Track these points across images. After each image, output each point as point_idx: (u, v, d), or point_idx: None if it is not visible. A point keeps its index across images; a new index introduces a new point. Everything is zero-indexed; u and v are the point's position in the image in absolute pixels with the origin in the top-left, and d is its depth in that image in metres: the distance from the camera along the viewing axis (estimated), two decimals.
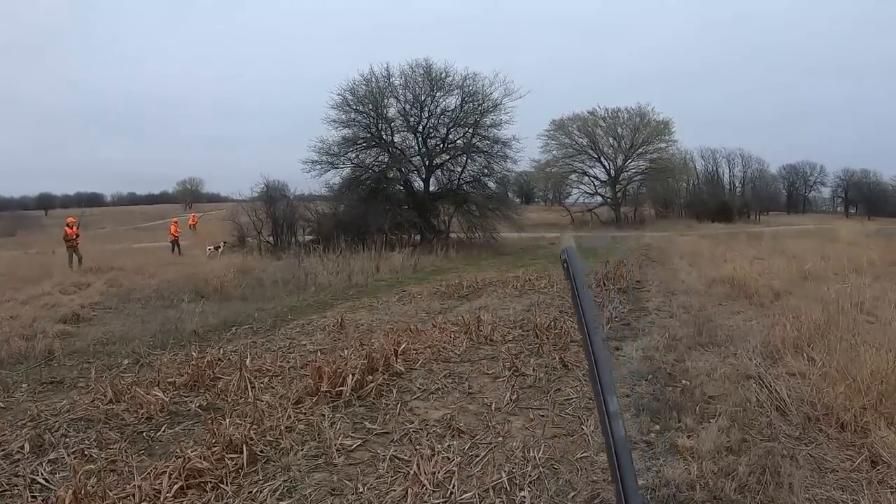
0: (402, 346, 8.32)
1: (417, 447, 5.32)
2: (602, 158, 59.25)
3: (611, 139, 58.59)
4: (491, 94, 31.69)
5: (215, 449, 5.07)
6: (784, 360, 7.38)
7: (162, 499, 4.39)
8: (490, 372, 7.58)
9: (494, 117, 31.94)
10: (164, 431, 5.90)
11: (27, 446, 5.49)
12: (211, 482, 4.67)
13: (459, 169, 32.39)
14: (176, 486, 4.51)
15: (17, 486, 4.81)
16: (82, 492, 4.28)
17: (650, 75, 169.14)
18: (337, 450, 5.28)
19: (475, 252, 27.43)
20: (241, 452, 5.03)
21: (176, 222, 30.64)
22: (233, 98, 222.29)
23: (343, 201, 30.60)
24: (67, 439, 5.70)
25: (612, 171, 59.08)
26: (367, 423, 5.98)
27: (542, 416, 6.03)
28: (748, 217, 66.63)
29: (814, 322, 8.39)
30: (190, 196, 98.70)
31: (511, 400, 6.46)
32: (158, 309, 13.17)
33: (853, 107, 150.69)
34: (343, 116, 31.07)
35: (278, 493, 4.60)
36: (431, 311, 12.11)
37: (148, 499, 4.39)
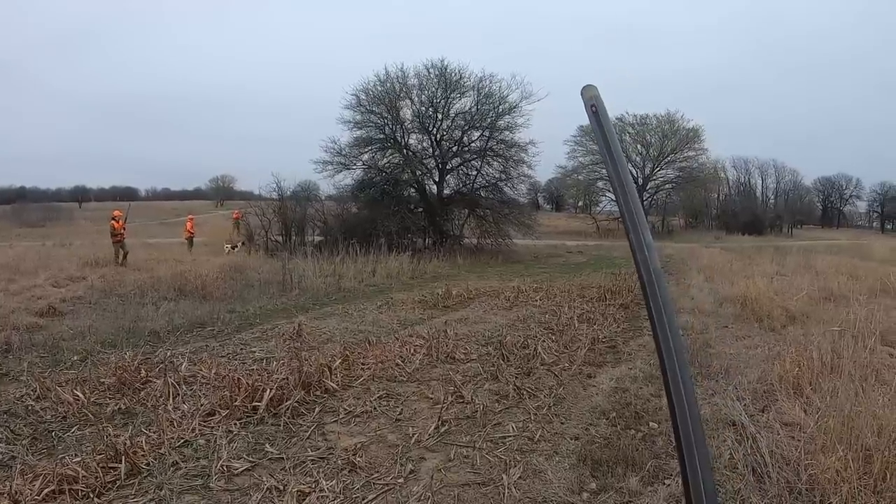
0: (344, 361, 7.65)
1: (306, 479, 4.69)
2: (630, 166, 57.87)
3: (639, 146, 57.69)
4: (507, 96, 30.88)
5: (100, 457, 4.82)
6: (778, 403, 6.23)
7: (24, 501, 4.23)
8: (432, 396, 6.76)
9: (510, 120, 31.16)
10: (72, 432, 5.70)
11: None
12: (82, 490, 4.43)
13: (474, 173, 31.66)
14: (46, 490, 4.33)
15: None
16: None
17: (681, 81, 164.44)
18: (220, 471, 4.83)
19: (484, 259, 26.65)
20: (121, 463, 4.74)
21: (191, 219, 30.27)
22: (270, 97, 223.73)
23: (355, 203, 30.16)
24: None
25: (639, 180, 58.00)
26: (267, 445, 5.38)
27: (465, 455, 5.19)
28: (780, 230, 65.21)
29: (822, 355, 7.26)
30: (222, 193, 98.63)
31: (437, 432, 5.66)
32: (133, 306, 12.65)
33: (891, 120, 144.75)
34: (357, 117, 30.55)
35: None
36: (406, 322, 11.42)
37: (11, 498, 4.24)
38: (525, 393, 6.82)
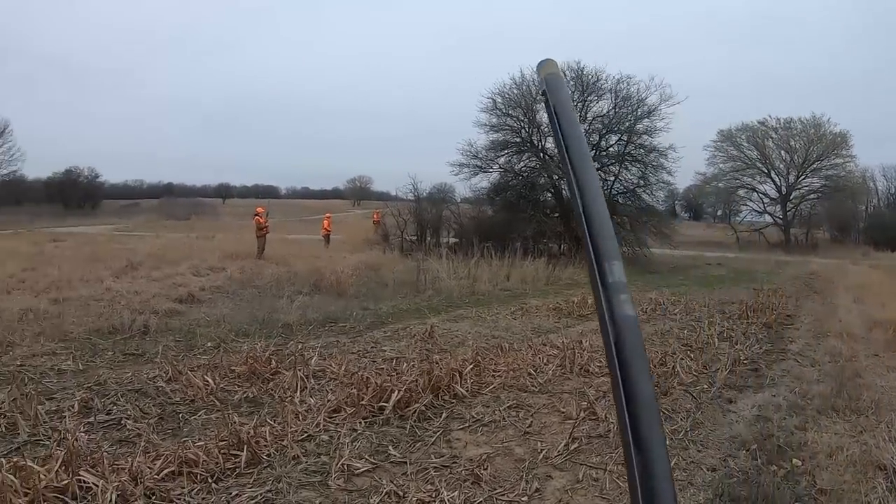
0: (475, 366, 7.49)
1: (426, 487, 4.57)
2: (772, 173, 54.13)
3: (783, 152, 53.54)
4: (645, 98, 29.84)
5: (223, 443, 4.94)
6: None
7: (144, 478, 4.28)
8: (564, 410, 6.47)
9: (649, 123, 30.06)
10: (198, 416, 5.94)
11: (76, 406, 5.90)
12: (201, 475, 4.52)
13: (612, 178, 30.66)
14: (166, 471, 4.45)
15: (49, 437, 5.16)
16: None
17: (819, 79, 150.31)
18: (340, 470, 4.81)
19: None
20: (243, 451, 4.85)
21: (329, 217, 31.22)
22: (394, 101, 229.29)
23: (491, 206, 30.11)
24: (115, 407, 6.07)
25: (783, 189, 53.96)
26: (391, 447, 5.31)
27: (594, 477, 4.88)
28: None
29: None
30: (358, 193, 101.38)
31: (566, 449, 5.38)
32: (269, 298, 13.12)
33: None
34: (493, 120, 30.48)
35: (254, 502, 4.30)
36: (540, 330, 11.17)
37: (131, 474, 4.32)
38: (661, 414, 6.39)
